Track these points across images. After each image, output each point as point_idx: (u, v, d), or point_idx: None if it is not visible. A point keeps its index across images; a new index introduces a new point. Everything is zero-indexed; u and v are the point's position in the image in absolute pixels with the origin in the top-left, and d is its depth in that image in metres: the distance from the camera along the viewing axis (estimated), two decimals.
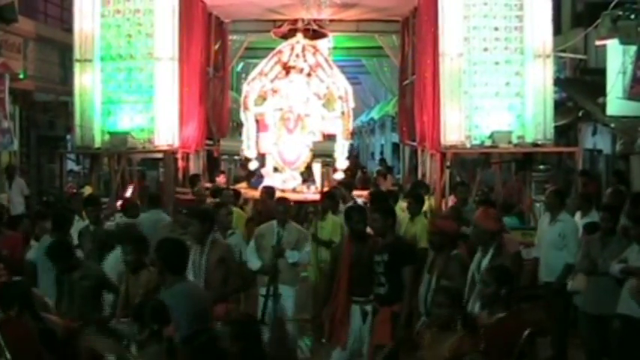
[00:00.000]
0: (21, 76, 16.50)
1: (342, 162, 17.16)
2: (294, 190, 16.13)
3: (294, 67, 17.08)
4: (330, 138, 17.20)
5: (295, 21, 17.50)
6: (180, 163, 15.46)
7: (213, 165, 18.88)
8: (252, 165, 17.36)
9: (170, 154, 15.17)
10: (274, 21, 18.24)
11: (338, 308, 8.61)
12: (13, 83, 15.01)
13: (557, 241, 9.93)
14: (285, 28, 17.74)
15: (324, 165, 15.52)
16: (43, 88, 18.38)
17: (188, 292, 6.81)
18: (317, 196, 13.45)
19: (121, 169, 15.82)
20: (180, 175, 15.46)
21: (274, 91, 17.16)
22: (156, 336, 5.87)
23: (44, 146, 18.94)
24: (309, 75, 17.14)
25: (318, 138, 16.92)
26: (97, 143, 15.12)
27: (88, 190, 14.17)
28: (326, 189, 13.18)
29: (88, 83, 15.10)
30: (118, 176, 15.63)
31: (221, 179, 17.32)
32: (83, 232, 10.46)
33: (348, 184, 14.91)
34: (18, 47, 16.98)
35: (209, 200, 12.98)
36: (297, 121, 16.98)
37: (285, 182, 16.59)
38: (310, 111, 17.04)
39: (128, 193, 14.83)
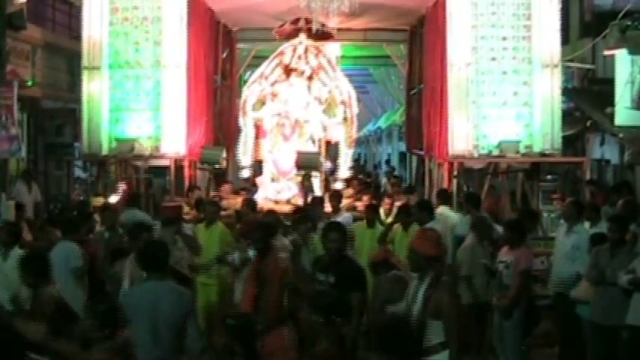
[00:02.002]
0: (29, 84, 16.53)
1: (344, 171, 16.89)
2: (288, 202, 15.25)
3: (295, 70, 16.50)
4: (329, 146, 16.86)
5: (297, 20, 16.89)
6: (186, 171, 15.44)
7: (219, 173, 18.83)
8: (245, 173, 17.07)
9: (177, 162, 15.16)
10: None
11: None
12: (21, 90, 15.01)
13: (570, 253, 9.85)
14: (288, 27, 17.07)
15: (307, 178, 15.08)
16: (51, 96, 18.41)
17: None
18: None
19: (127, 177, 15.83)
20: (186, 183, 15.44)
21: (274, 95, 16.53)
22: (108, 338, 5.93)
23: (52, 153, 18.94)
24: (310, 78, 16.49)
25: (318, 146, 16.43)
26: (105, 150, 15.14)
27: (99, 201, 14.06)
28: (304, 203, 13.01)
29: (95, 91, 15.13)
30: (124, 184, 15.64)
31: (226, 189, 17.00)
32: (97, 239, 10.47)
33: (337, 195, 13.56)
34: (26, 55, 17.01)
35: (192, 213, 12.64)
36: (295, 128, 16.34)
37: (280, 193, 15.82)
38: (309, 116, 16.39)
39: (113, 198, 14.42)
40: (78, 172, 18.57)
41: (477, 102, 14.52)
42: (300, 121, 16.37)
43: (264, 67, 16.91)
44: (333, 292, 6.98)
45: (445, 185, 14.49)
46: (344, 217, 12.33)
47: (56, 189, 19.50)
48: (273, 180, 16.38)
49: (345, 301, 6.57)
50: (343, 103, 16.56)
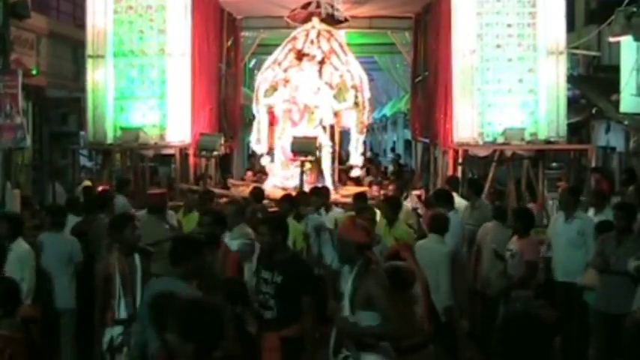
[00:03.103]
0: (34, 72, 16.51)
1: (356, 158, 16.69)
2: (296, 189, 14.47)
3: (307, 55, 16.28)
4: (340, 133, 16.72)
5: (307, 4, 16.68)
6: (191, 160, 15.45)
7: (225, 161, 18.86)
8: (264, 160, 16.91)
9: (182, 150, 15.17)
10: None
11: None
12: (26, 79, 14.96)
13: (575, 240, 9.78)
14: (301, 11, 16.79)
15: (303, 163, 14.86)
16: (55, 84, 18.40)
17: None
18: None
19: (132, 166, 15.85)
20: (191, 172, 15.45)
21: (286, 81, 16.34)
22: (9, 316, 5.95)
23: (57, 142, 18.95)
24: (322, 62, 16.27)
25: (328, 132, 16.21)
26: (110, 139, 15.17)
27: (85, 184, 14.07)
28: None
29: (100, 79, 15.14)
30: (130, 172, 15.67)
31: (249, 176, 16.99)
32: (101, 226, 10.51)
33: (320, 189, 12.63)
34: (31, 43, 17.00)
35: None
36: (303, 113, 16.12)
37: (288, 180, 15.66)
38: (319, 102, 16.13)
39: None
40: (83, 161, 18.57)
41: (482, 89, 14.49)
42: (310, 107, 16.16)
43: (278, 53, 16.72)
44: (234, 279, 6.96)
45: (450, 173, 14.47)
46: (333, 212, 11.86)
47: (61, 178, 19.50)
48: (283, 167, 16.23)
49: (245, 288, 6.56)
50: (354, 87, 16.32)
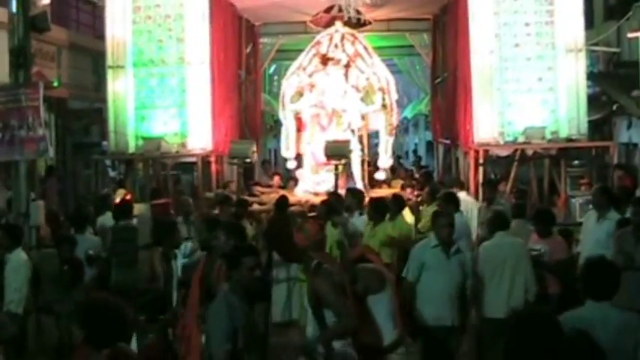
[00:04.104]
0: (55, 84, 16.66)
1: (384, 160, 16.64)
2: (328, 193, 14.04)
3: (332, 59, 16.28)
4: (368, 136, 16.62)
5: (330, 8, 16.70)
6: (213, 167, 15.50)
7: (247, 167, 18.88)
8: (290, 164, 16.96)
9: (203, 158, 15.23)
10: (304, 22, 18.19)
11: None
12: (48, 91, 15.07)
13: (604, 240, 9.58)
14: (324, 15, 16.81)
15: (337, 167, 14.65)
16: (77, 96, 18.55)
17: None
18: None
19: (155, 174, 15.93)
20: (214, 179, 15.49)
21: (312, 86, 16.34)
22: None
23: (80, 153, 19.09)
24: (347, 66, 16.24)
25: (357, 135, 16.16)
26: (132, 148, 15.26)
27: (120, 194, 14.18)
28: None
29: (121, 89, 15.25)
30: (153, 181, 15.75)
31: (276, 182, 16.92)
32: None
33: (356, 191, 12.64)
34: (52, 56, 17.16)
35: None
36: (332, 117, 16.14)
37: (319, 184, 15.67)
38: (347, 105, 16.12)
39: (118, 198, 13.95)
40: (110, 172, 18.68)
41: (502, 89, 14.48)
42: (338, 111, 16.18)
43: (302, 58, 16.76)
44: (154, 290, 7.18)
45: (472, 173, 14.44)
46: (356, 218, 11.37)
47: (85, 188, 19.64)
48: (313, 172, 16.24)
49: (165, 298, 6.79)
50: (381, 89, 16.31)
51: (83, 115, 19.02)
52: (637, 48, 15.37)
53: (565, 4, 14.42)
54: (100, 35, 16.72)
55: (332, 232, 10.00)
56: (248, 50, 19.11)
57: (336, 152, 14.80)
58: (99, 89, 17.78)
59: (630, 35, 15.10)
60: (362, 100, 16.32)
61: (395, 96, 16.82)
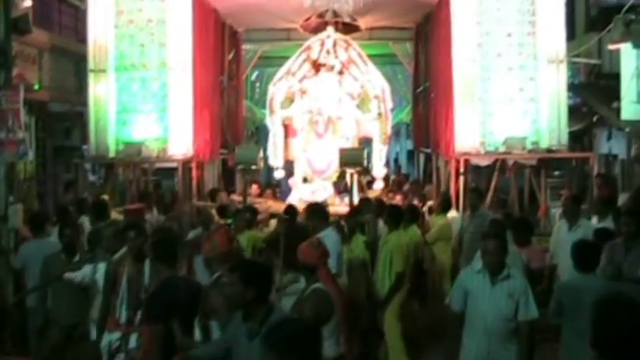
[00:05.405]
0: (36, 87, 16.55)
1: (379, 169, 16.55)
2: (325, 202, 14.23)
3: (324, 65, 16.15)
4: (360, 143, 16.48)
5: (322, 13, 16.55)
6: (194, 173, 15.45)
7: (228, 174, 18.84)
8: (278, 174, 16.78)
9: (184, 164, 15.19)
10: (287, 30, 18.18)
11: None
12: (28, 94, 14.99)
13: None
14: (315, 20, 16.72)
15: (356, 174, 14.46)
16: (58, 99, 18.42)
17: None
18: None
19: (135, 179, 15.85)
20: (194, 184, 15.44)
21: (303, 92, 16.23)
22: None
23: (60, 156, 18.98)
24: (341, 73, 16.11)
25: (352, 143, 16.01)
26: (112, 153, 15.19)
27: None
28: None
29: (102, 93, 15.18)
30: (133, 186, 15.68)
31: (254, 190, 16.35)
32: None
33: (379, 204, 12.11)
34: (33, 58, 17.03)
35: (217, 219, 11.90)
36: (328, 125, 16.03)
37: (315, 193, 15.49)
38: (343, 113, 16.01)
39: None
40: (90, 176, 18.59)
41: (483, 98, 14.51)
42: (334, 118, 16.09)
43: (291, 63, 16.62)
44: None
45: (452, 183, 14.48)
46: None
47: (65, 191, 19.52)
48: (305, 180, 16.08)
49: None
50: (377, 97, 16.29)
51: (64, 119, 18.90)
52: (618, 60, 15.45)
53: (547, 16, 14.48)
54: (82, 39, 16.63)
55: (359, 238, 9.92)
56: (230, 56, 19.09)
57: (352, 160, 14.65)
58: (80, 93, 17.66)
59: (611, 47, 15.19)
60: (358, 107, 16.27)
61: (390, 104, 16.81)
